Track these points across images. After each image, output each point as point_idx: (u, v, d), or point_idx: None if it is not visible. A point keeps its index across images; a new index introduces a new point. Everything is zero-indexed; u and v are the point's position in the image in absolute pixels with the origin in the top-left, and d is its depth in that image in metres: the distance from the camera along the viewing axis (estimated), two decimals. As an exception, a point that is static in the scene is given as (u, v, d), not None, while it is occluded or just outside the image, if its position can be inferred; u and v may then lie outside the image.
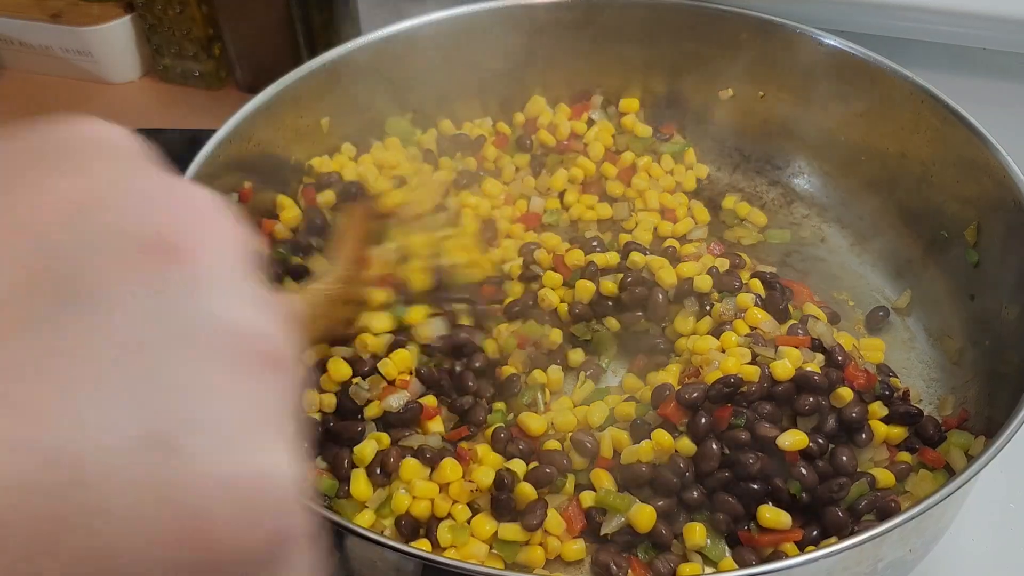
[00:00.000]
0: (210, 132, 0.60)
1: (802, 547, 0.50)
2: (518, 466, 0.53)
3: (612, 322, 0.62)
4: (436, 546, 0.51)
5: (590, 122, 0.75)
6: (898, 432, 0.55)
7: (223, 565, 0.17)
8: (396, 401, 0.55)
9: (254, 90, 0.65)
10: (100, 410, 0.16)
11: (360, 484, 0.53)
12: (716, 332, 0.58)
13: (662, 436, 0.52)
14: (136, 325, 0.17)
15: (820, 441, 0.52)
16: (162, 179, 0.20)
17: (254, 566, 0.18)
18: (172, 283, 0.18)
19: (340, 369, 0.56)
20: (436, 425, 0.56)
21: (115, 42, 0.92)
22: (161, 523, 0.16)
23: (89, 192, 0.18)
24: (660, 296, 0.60)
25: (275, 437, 0.19)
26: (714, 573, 0.50)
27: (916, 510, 0.42)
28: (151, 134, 0.69)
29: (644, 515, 0.50)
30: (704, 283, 0.60)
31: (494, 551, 0.51)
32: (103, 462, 0.16)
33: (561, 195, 0.72)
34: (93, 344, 0.16)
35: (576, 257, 0.64)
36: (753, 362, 0.55)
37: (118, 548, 0.16)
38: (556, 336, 0.61)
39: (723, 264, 0.62)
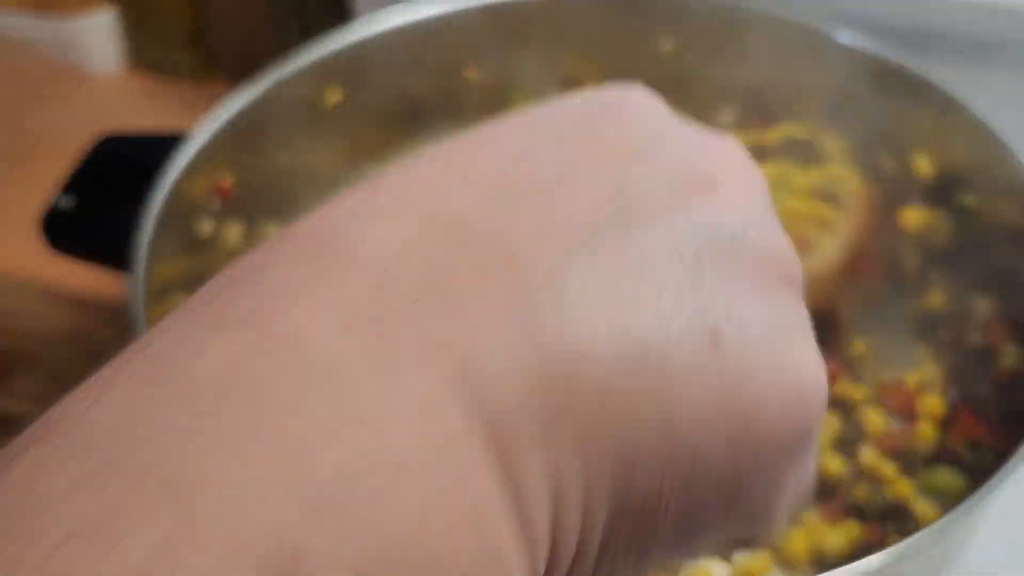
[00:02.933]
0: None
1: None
2: None
3: None
4: None
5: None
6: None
7: (765, 445, 0.20)
8: None
9: (243, 81, 0.63)
10: (667, 306, 0.19)
11: None
12: None
13: None
14: (686, 240, 0.20)
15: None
16: (696, 131, 0.23)
17: (787, 452, 0.21)
18: (712, 208, 0.21)
19: None
20: None
21: (99, 33, 0.90)
22: (717, 403, 0.19)
23: (645, 139, 0.21)
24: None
25: (804, 342, 0.21)
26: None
27: (938, 525, 0.41)
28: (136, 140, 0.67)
29: None
30: None
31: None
32: (673, 348, 0.19)
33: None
34: (653, 254, 0.19)
35: None
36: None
37: (682, 421, 0.19)
38: None
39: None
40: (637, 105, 0.23)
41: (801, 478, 0.22)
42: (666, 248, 0.20)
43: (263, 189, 0.65)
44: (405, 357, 0.16)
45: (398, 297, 0.17)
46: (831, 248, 0.48)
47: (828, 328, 0.58)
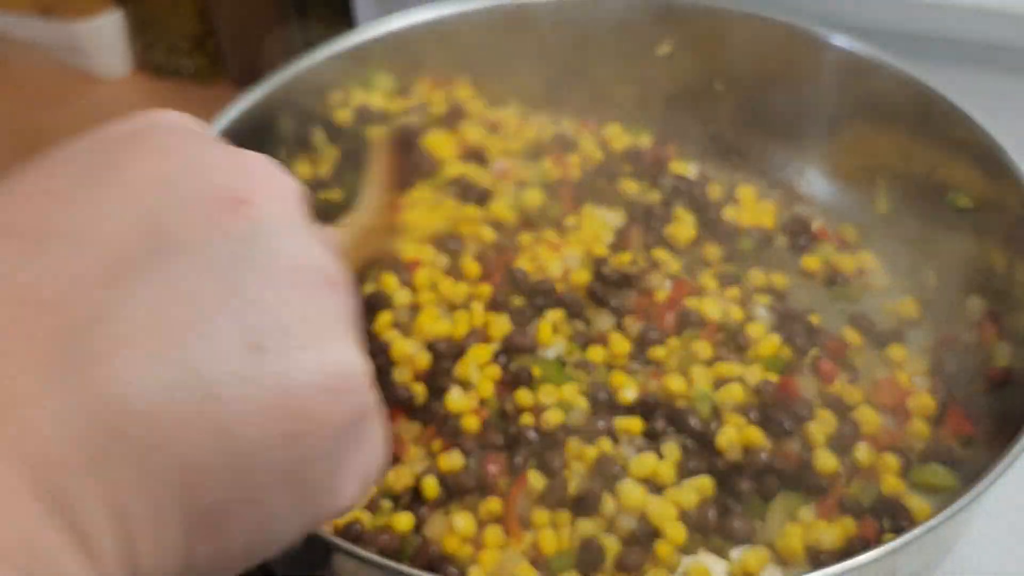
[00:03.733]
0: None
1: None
2: None
3: None
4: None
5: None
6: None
7: (317, 433, 0.23)
8: None
9: (248, 85, 0.64)
10: (207, 329, 0.21)
11: None
12: None
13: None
14: (222, 263, 0.22)
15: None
16: (225, 150, 0.25)
17: (341, 434, 0.23)
18: (245, 228, 0.23)
19: None
20: None
21: (105, 37, 0.91)
22: (266, 406, 0.22)
23: (171, 165, 0.23)
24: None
25: (344, 336, 0.24)
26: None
27: (932, 523, 0.41)
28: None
29: None
30: None
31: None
32: (220, 368, 0.21)
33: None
34: (193, 282, 0.21)
35: None
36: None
37: (236, 429, 0.21)
38: None
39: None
40: (163, 131, 0.25)
41: (367, 456, 0.25)
42: (203, 271, 0.21)
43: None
44: None
45: None
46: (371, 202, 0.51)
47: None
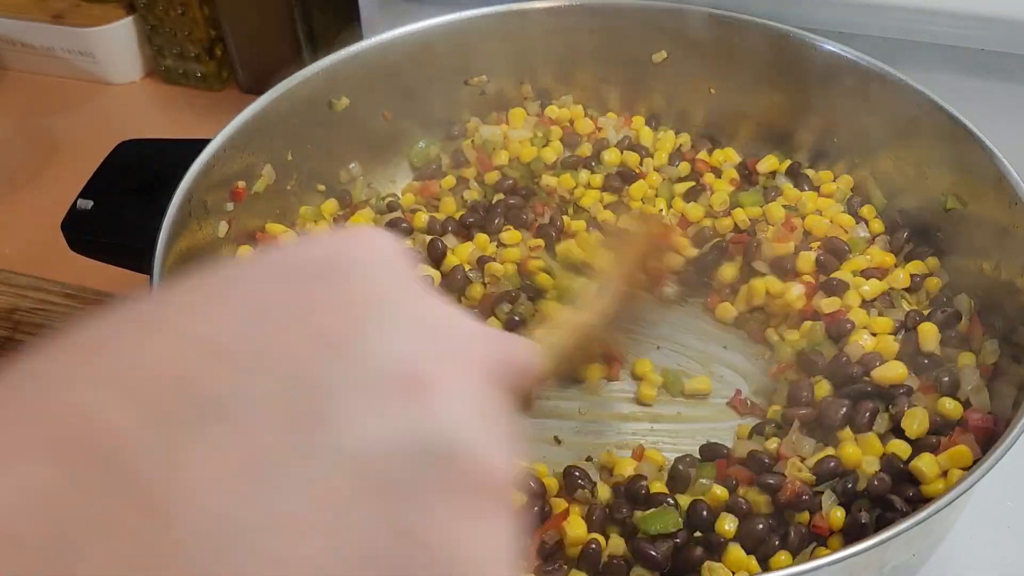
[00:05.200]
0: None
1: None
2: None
3: None
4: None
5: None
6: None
7: None
8: None
9: (256, 91, 0.65)
10: (339, 552, 0.17)
11: None
12: None
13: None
14: (375, 459, 0.17)
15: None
16: (426, 305, 0.21)
17: None
18: (418, 416, 0.18)
19: None
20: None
21: (117, 43, 0.92)
22: None
23: (350, 320, 0.19)
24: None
25: (506, 567, 0.20)
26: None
27: (922, 515, 0.42)
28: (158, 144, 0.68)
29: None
30: None
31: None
32: None
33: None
34: (330, 480, 0.17)
35: None
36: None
37: None
38: None
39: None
40: (363, 266, 0.21)
41: None
42: (350, 471, 0.17)
43: (273, 192, 0.67)
44: None
45: (25, 561, 0.15)
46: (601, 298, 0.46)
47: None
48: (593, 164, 0.73)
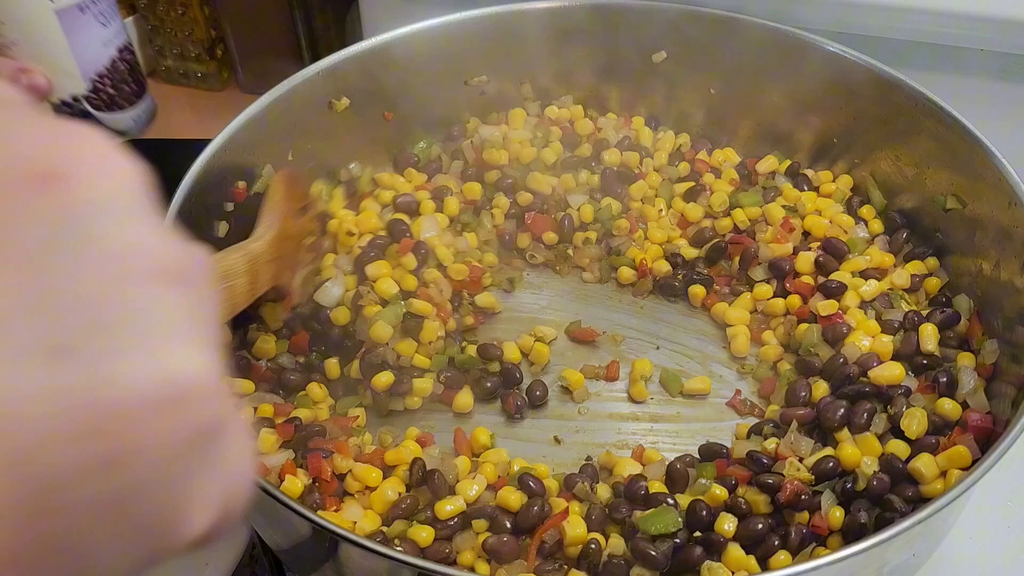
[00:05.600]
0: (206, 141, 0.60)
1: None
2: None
3: None
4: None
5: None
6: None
7: (142, 457, 0.18)
8: None
9: (256, 92, 0.65)
10: (3, 331, 0.17)
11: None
12: None
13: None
14: (25, 250, 0.18)
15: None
16: (49, 123, 0.20)
17: (179, 456, 0.19)
18: (59, 209, 0.18)
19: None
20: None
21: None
22: (74, 425, 0.17)
23: None
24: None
25: (187, 338, 0.19)
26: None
27: (922, 515, 0.42)
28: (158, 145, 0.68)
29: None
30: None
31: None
32: (13, 377, 0.17)
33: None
34: None
35: None
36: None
37: (35, 457, 0.17)
38: None
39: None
40: None
41: (224, 478, 0.20)
42: (0, 259, 0.17)
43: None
44: None
45: None
46: (264, 233, 0.56)
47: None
48: (593, 164, 0.73)
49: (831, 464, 0.52)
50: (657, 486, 0.54)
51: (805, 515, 0.51)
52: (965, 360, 0.57)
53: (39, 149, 0.19)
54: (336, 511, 0.52)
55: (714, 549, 0.50)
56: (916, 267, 0.64)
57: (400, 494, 0.53)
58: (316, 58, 0.67)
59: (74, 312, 0.18)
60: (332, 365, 0.61)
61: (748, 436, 0.58)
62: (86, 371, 0.18)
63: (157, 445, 0.18)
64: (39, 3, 0.68)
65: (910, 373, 0.57)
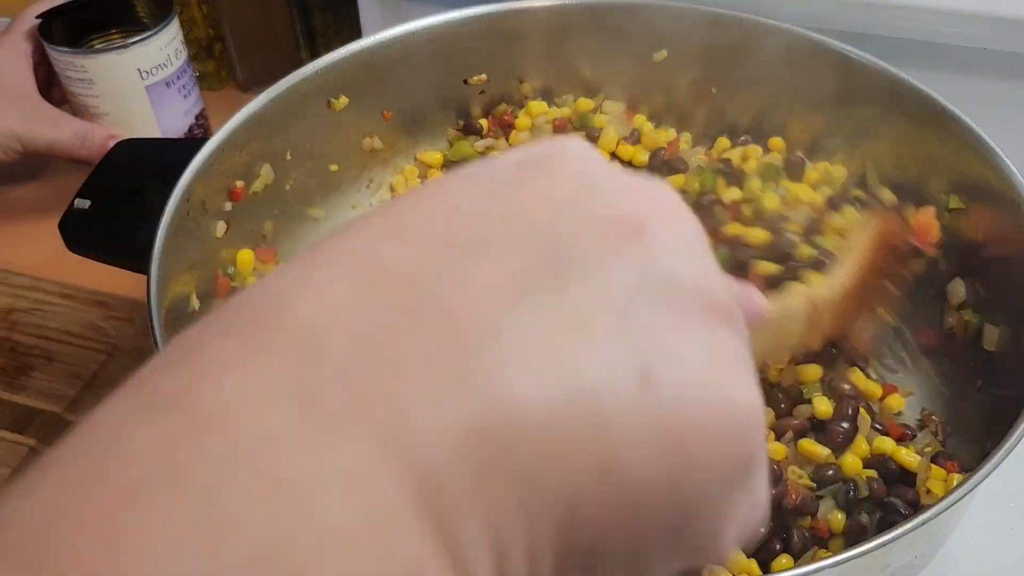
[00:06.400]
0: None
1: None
2: None
3: None
4: None
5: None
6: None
7: (706, 477, 0.20)
8: None
9: (254, 91, 0.65)
10: (599, 352, 0.19)
11: None
12: None
13: None
14: (615, 287, 0.20)
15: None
16: (625, 177, 0.24)
17: (730, 480, 0.21)
18: (640, 252, 0.21)
19: None
20: None
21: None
22: (655, 442, 0.19)
23: (570, 189, 0.22)
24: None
25: (740, 374, 0.22)
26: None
27: (924, 516, 0.42)
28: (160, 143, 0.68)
29: None
30: None
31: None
32: (605, 391, 0.19)
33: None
34: (586, 305, 0.20)
35: None
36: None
37: (623, 465, 0.19)
38: None
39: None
40: (568, 156, 0.23)
41: (750, 506, 0.22)
42: (597, 297, 0.20)
43: (273, 192, 0.67)
44: (332, 426, 0.16)
45: (328, 365, 0.17)
46: (838, 278, 0.47)
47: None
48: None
49: (830, 472, 0.52)
50: None
51: (807, 518, 0.51)
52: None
53: (625, 201, 0.22)
54: None
55: None
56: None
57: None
58: (315, 56, 0.67)
59: (656, 343, 0.20)
60: None
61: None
62: (668, 396, 0.20)
63: (718, 467, 0.20)
64: (132, 80, 0.75)
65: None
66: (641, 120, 0.75)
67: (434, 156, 0.74)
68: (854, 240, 0.52)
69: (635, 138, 0.74)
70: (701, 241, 0.23)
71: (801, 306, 0.44)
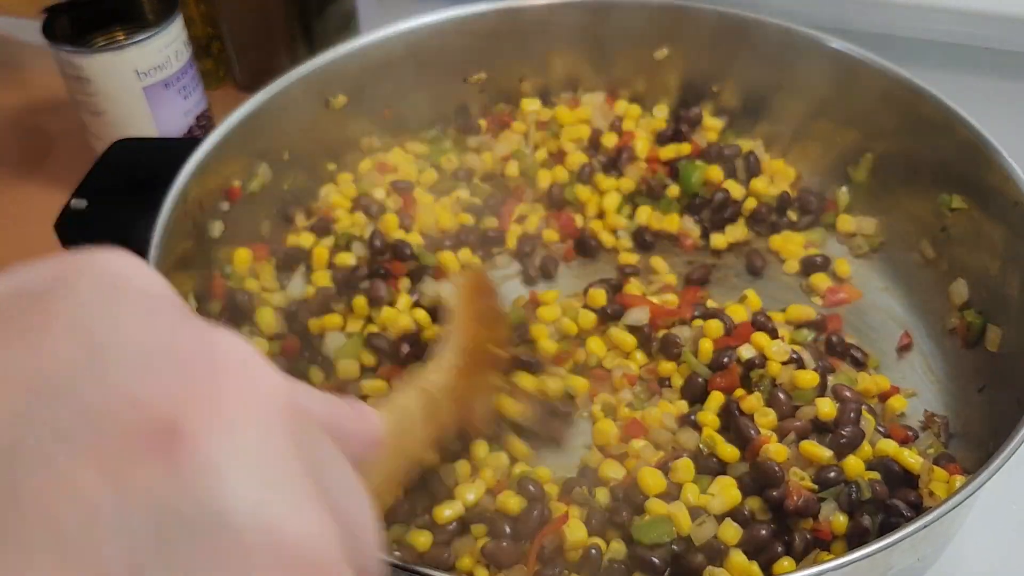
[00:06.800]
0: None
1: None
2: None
3: None
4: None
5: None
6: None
7: None
8: None
9: (252, 90, 0.64)
10: None
11: None
12: None
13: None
14: (114, 547, 0.13)
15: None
16: (164, 329, 0.15)
17: None
18: (169, 477, 0.14)
19: None
20: None
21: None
22: None
23: (71, 354, 0.14)
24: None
25: None
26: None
27: (928, 519, 0.42)
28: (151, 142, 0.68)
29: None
30: None
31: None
32: None
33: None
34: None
35: None
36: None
37: None
38: None
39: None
40: (80, 291, 0.15)
41: None
42: (73, 560, 0.12)
43: (270, 191, 0.66)
44: None
45: None
46: (446, 358, 0.44)
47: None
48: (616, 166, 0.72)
49: (832, 474, 0.51)
50: None
51: (809, 520, 0.51)
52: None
53: (157, 383, 0.14)
54: None
55: (717, 555, 0.49)
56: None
57: (397, 498, 0.53)
58: (313, 56, 0.67)
59: None
60: (314, 372, 0.59)
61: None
62: None
63: None
64: (130, 81, 0.75)
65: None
66: (623, 105, 0.75)
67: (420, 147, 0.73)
68: (452, 311, 0.48)
69: (617, 128, 0.73)
70: (282, 443, 0.15)
71: (417, 401, 0.39)
